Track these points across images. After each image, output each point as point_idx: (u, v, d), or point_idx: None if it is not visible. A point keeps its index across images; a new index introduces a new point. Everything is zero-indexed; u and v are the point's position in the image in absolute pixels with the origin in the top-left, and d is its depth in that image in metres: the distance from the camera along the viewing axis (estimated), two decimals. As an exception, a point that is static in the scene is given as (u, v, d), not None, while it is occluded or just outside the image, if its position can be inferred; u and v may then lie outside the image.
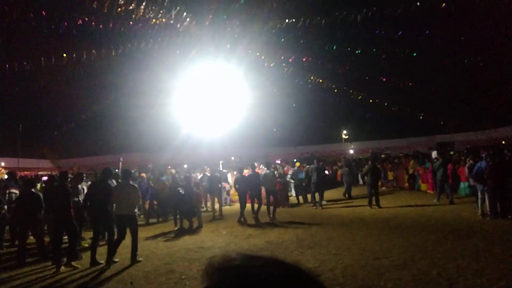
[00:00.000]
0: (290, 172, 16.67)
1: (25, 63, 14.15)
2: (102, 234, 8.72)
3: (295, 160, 23.22)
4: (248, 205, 11.75)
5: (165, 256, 7.95)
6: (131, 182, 8.13)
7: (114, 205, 7.71)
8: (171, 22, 12.28)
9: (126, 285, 6.26)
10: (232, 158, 26.71)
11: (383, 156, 26.29)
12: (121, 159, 14.38)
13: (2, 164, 30.43)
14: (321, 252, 7.49)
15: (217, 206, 13.10)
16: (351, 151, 37.51)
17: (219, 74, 15.30)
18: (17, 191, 9.93)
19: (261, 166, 15.02)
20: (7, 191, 9.96)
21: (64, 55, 13.03)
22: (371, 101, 22.56)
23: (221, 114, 16.39)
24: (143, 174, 14.04)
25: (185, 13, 12.50)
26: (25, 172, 26.20)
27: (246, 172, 13.17)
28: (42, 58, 14.26)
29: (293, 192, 16.79)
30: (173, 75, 15.72)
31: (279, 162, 22.34)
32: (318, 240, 8.52)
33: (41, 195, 8.46)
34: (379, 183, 14.89)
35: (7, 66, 13.88)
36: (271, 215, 11.62)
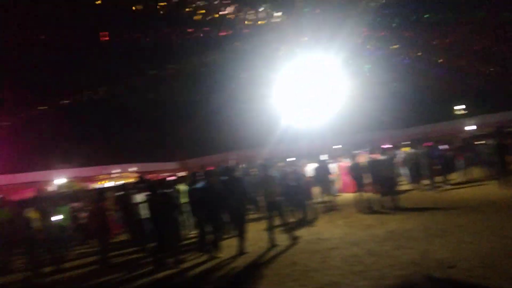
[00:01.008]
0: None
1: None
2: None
3: (402, 143, 21.81)
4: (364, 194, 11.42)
5: (285, 248, 8.14)
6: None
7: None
8: (270, 20, 12.51)
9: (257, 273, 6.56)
10: (339, 146, 26.12)
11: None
12: (232, 158, 15.12)
13: (134, 169, 34.55)
14: (452, 240, 6.91)
15: (327, 197, 13.01)
16: (469, 128, 33.80)
17: (319, 64, 15.11)
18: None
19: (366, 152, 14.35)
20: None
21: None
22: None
23: (322, 103, 16.14)
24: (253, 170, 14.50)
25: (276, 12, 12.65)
26: (151, 175, 29.30)
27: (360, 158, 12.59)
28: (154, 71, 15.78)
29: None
30: (273, 70, 16.04)
31: (386, 146, 21.18)
32: (446, 228, 7.88)
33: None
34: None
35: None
36: (393, 202, 11.09)
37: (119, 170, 34.46)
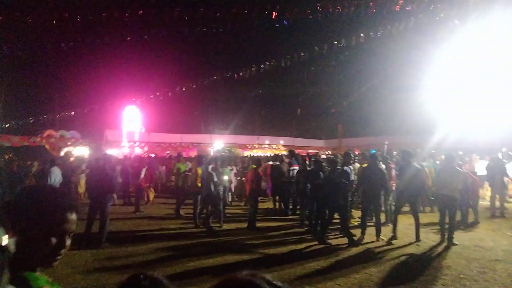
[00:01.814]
0: None
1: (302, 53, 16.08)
2: (370, 215, 8.98)
3: None
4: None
5: (437, 248, 7.47)
6: (456, 167, 8.13)
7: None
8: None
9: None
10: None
11: None
12: (386, 142, 14.26)
13: (281, 142, 36.10)
14: None
15: (497, 203, 11.12)
16: None
17: (491, 42, 12.64)
18: (297, 167, 11.44)
19: None
20: (291, 168, 11.58)
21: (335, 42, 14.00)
22: None
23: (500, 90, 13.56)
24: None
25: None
26: (298, 150, 30.16)
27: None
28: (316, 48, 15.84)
29: None
30: (436, 55, 14.21)
31: None
32: None
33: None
34: None
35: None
36: None
37: (268, 142, 36.37)
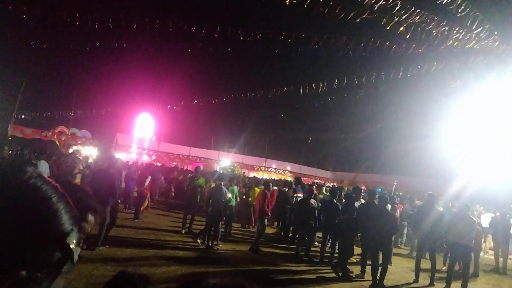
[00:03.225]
0: None
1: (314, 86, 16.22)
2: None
3: None
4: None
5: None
6: (471, 217, 8.22)
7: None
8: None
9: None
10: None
11: None
12: (395, 183, 14.08)
13: (288, 168, 36.03)
14: None
15: (500, 257, 10.85)
16: None
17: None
18: (301, 195, 11.39)
19: None
20: (294, 195, 11.56)
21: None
22: None
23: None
24: (418, 202, 13.21)
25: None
26: (304, 178, 30.09)
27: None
28: (321, 84, 16.00)
29: None
30: (456, 101, 14.17)
31: None
32: None
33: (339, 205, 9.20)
34: None
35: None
36: None
37: (275, 166, 36.35)
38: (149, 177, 12.38)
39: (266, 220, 9.72)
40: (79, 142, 27.30)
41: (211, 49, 15.62)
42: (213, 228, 9.05)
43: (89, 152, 24.76)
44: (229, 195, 10.20)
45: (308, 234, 9.57)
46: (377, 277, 7.36)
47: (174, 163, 27.78)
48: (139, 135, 32.64)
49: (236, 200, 11.47)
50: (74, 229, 0.71)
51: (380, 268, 7.44)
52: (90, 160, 17.22)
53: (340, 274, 7.83)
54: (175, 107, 25.77)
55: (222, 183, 9.27)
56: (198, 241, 9.18)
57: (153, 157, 29.26)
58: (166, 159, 29.91)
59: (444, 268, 9.04)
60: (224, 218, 9.70)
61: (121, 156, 19.83)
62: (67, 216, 0.69)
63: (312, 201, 9.49)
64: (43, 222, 0.65)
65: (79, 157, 14.94)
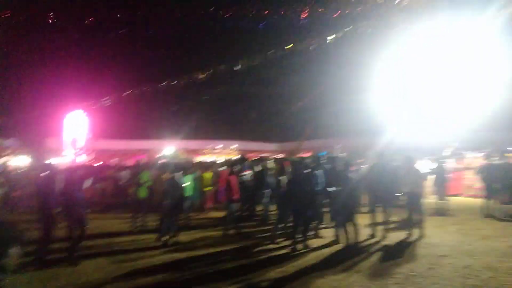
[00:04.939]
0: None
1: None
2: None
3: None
4: None
5: (388, 247, 7.76)
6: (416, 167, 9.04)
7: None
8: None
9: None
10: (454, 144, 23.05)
11: None
12: (339, 144, 14.50)
13: (234, 146, 35.95)
14: None
15: (439, 199, 11.91)
16: None
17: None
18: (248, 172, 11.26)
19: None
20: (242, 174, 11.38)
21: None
22: None
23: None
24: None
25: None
26: (250, 154, 30.16)
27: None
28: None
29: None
30: (383, 57, 14.67)
31: None
32: None
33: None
34: None
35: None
36: None
37: (221, 146, 36.06)
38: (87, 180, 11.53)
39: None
40: (7, 152, 25.12)
41: (135, 35, 14.81)
42: (169, 222, 8.60)
43: (21, 161, 22.94)
44: (187, 184, 9.85)
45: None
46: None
47: (116, 159, 26.52)
48: (73, 136, 30.51)
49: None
50: None
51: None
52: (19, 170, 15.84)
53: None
54: (106, 100, 24.43)
55: (177, 175, 8.77)
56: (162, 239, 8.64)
57: (90, 157, 27.76)
58: (106, 156, 28.51)
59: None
60: (181, 210, 9.27)
61: (54, 160, 18.45)
62: None
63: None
64: None
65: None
